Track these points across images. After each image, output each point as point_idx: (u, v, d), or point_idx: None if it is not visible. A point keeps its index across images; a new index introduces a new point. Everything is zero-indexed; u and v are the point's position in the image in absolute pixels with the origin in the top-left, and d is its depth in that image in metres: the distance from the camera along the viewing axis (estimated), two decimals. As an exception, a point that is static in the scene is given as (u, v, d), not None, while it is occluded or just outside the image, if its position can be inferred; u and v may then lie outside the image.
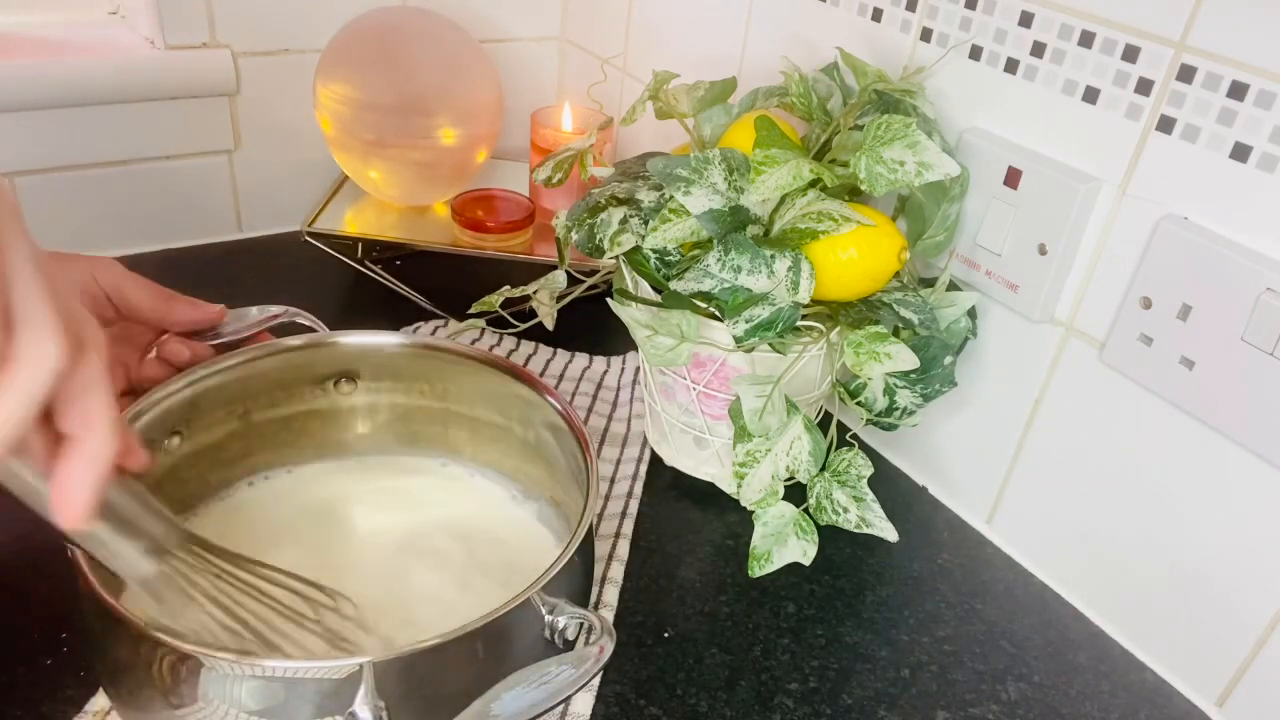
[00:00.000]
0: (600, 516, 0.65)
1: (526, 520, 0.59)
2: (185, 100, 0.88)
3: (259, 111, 0.93)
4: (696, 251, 0.59)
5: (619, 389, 0.79)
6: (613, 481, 0.69)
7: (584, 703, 0.52)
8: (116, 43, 0.88)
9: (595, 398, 0.77)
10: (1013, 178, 0.60)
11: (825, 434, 0.61)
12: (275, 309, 0.60)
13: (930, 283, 0.65)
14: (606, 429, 0.74)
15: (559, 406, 0.55)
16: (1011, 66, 0.60)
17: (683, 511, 0.68)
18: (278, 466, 0.60)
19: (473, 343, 0.76)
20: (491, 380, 0.59)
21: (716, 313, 0.58)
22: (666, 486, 0.70)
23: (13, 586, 0.55)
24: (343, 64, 0.85)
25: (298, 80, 0.92)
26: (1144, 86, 0.54)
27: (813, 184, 0.58)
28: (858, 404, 0.63)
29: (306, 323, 0.60)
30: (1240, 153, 0.50)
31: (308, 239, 0.86)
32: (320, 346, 0.59)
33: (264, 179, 0.96)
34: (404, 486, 0.61)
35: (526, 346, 0.82)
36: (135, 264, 0.55)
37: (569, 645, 0.44)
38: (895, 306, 0.60)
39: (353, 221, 0.90)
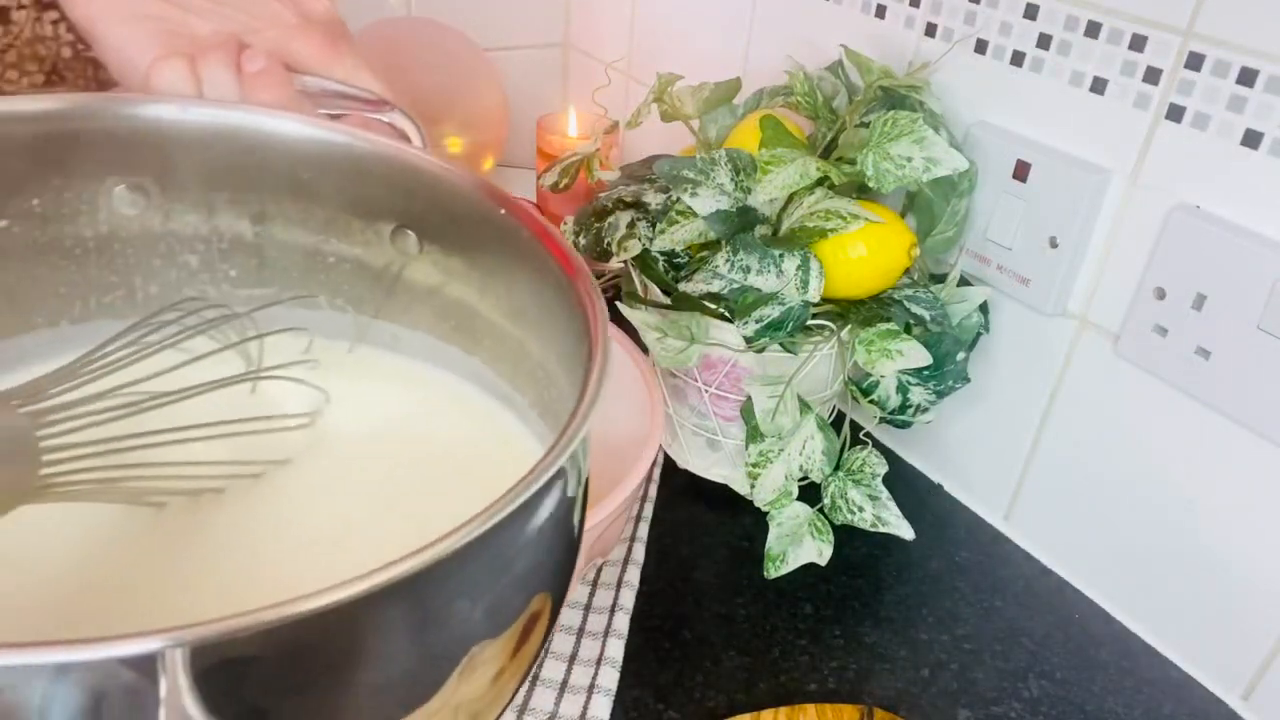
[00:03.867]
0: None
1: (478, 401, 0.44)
2: (192, 115, 0.89)
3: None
4: (704, 253, 0.59)
5: (630, 393, 0.79)
6: (626, 485, 0.69)
7: (603, 707, 0.51)
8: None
9: (607, 402, 0.77)
10: (1021, 171, 0.60)
11: (838, 433, 0.61)
12: (371, 94, 0.45)
13: (941, 278, 0.64)
14: (619, 433, 0.74)
15: (561, 245, 0.37)
16: (1018, 59, 0.60)
17: (697, 514, 0.67)
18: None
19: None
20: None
21: (726, 314, 0.58)
22: (680, 489, 0.69)
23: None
24: (348, 75, 0.86)
25: (304, 93, 0.92)
26: (1152, 75, 0.53)
27: (820, 182, 0.58)
28: (870, 402, 0.63)
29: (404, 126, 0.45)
30: (1251, 139, 0.50)
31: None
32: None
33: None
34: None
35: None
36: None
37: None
38: (906, 303, 0.59)
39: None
